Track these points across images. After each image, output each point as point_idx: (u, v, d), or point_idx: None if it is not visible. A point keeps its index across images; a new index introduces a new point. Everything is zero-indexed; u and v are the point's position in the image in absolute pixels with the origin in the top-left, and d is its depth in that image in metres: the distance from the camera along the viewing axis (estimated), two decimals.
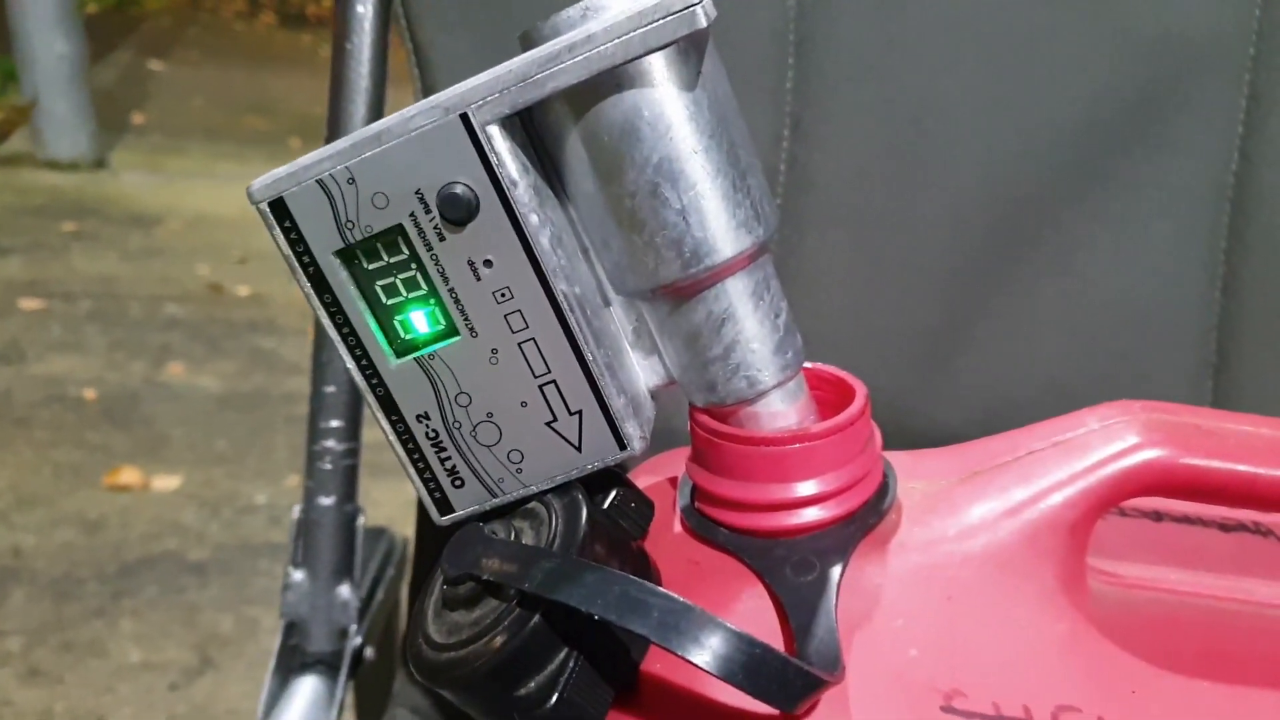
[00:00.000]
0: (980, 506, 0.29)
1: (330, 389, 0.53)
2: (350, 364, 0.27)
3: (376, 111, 0.49)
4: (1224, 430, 0.29)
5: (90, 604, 1.34)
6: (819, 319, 0.50)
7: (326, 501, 0.53)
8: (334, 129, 0.49)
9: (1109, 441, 0.29)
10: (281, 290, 2.26)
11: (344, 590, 0.54)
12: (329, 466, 0.53)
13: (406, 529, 0.84)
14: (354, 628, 0.55)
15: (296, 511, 0.55)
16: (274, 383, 1.91)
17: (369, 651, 0.57)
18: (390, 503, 1.21)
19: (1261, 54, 0.49)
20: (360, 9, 0.48)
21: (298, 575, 0.54)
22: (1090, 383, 0.51)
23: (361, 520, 0.55)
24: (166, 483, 1.60)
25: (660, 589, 0.23)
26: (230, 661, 1.26)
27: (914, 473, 0.31)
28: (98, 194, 2.81)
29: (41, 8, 2.93)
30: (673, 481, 0.33)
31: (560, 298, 0.26)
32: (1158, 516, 0.36)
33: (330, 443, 0.53)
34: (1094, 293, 0.50)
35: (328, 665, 0.55)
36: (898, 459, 0.32)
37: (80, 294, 2.20)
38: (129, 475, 1.59)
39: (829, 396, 0.30)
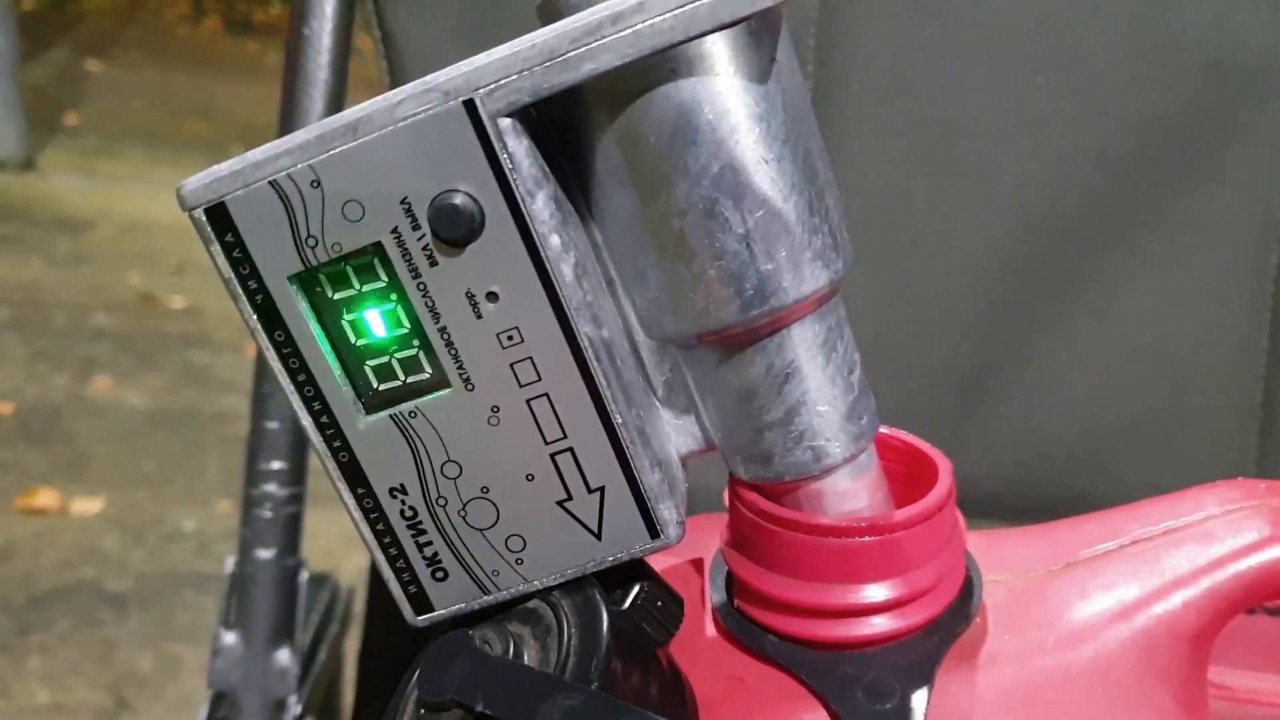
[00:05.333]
0: (1082, 608, 0.24)
1: (273, 425, 0.46)
2: (306, 420, 0.21)
3: (336, 108, 0.43)
4: None
5: None
6: None
7: (265, 555, 0.46)
8: (286, 126, 0.43)
9: (1237, 532, 0.24)
10: (219, 303, 2.15)
11: (283, 656, 0.47)
12: (269, 514, 0.46)
13: (346, 564, 0.77)
14: (293, 698, 0.48)
15: (230, 565, 0.48)
16: (207, 400, 1.82)
17: None
18: (327, 534, 1.13)
19: None
20: None
21: (230, 638, 0.47)
22: (1124, 436, 0.46)
23: (304, 576, 0.48)
24: (86, 506, 1.49)
25: None
26: (148, 704, 1.16)
27: (992, 561, 0.26)
28: (24, 195, 2.67)
29: None
30: (697, 565, 0.27)
31: (584, 343, 0.20)
32: (1250, 609, 0.30)
33: (271, 487, 0.46)
34: (1133, 336, 0.46)
35: None
36: (969, 543, 0.26)
37: None
38: (45, 497, 1.49)
39: (897, 469, 0.25)
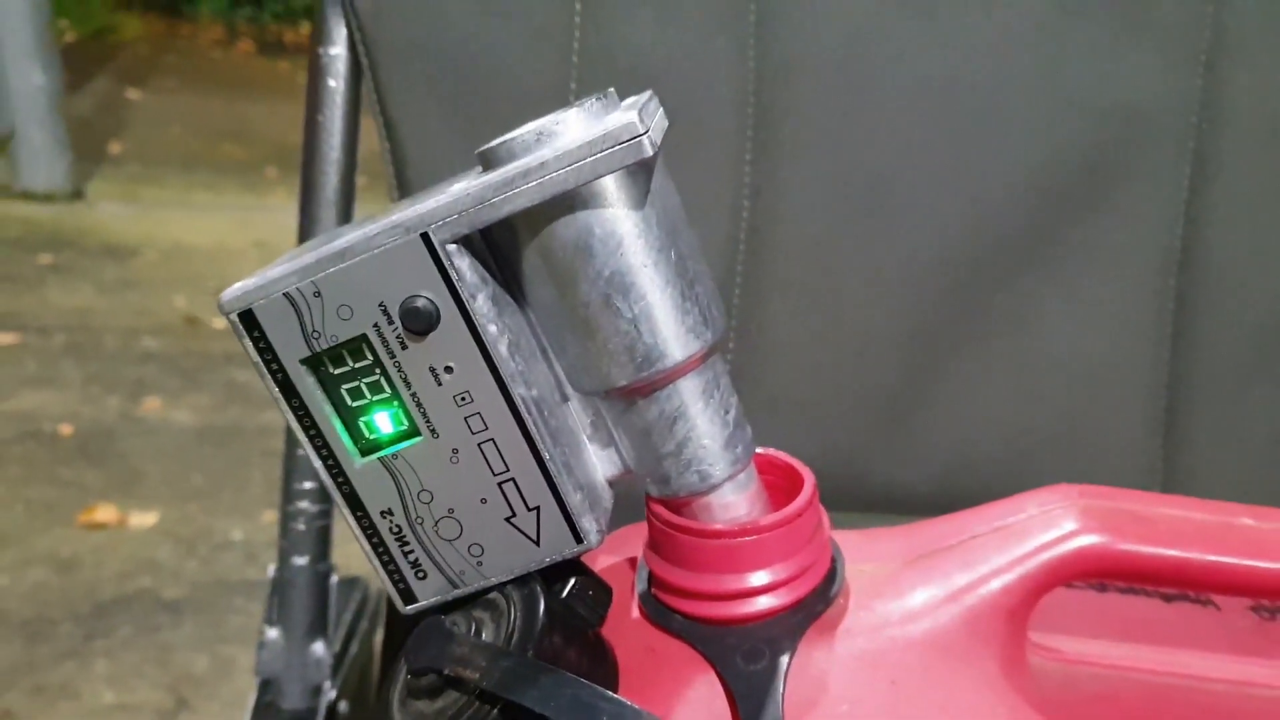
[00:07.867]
0: (923, 591, 0.30)
1: (304, 452, 0.54)
2: (317, 463, 0.28)
3: (348, 180, 0.51)
4: (1158, 515, 0.31)
5: (62, 645, 1.33)
6: (781, 381, 0.52)
7: (300, 561, 0.54)
8: (307, 197, 0.51)
9: (1047, 528, 0.30)
10: None
11: (318, 647, 0.55)
12: (303, 527, 0.54)
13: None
14: (328, 684, 0.56)
15: (271, 571, 0.55)
16: (249, 416, 1.91)
17: (343, 706, 0.58)
18: (351, 539, 1.21)
19: (1204, 121, 0.51)
20: (332, 83, 0.50)
21: (272, 633, 0.55)
22: (1043, 441, 0.53)
23: (335, 579, 0.55)
24: (142, 519, 1.59)
25: (610, 695, 0.24)
26: (204, 702, 1.25)
27: (865, 554, 0.32)
28: (74, 225, 2.80)
29: (19, 38, 2.92)
30: (632, 562, 0.34)
31: (518, 401, 0.27)
32: (1102, 587, 0.37)
33: (304, 504, 0.54)
34: (1045, 352, 0.52)
35: None
36: (849, 539, 0.33)
37: (55, 327, 2.19)
38: (104, 512, 1.59)
39: (779, 481, 0.31)
